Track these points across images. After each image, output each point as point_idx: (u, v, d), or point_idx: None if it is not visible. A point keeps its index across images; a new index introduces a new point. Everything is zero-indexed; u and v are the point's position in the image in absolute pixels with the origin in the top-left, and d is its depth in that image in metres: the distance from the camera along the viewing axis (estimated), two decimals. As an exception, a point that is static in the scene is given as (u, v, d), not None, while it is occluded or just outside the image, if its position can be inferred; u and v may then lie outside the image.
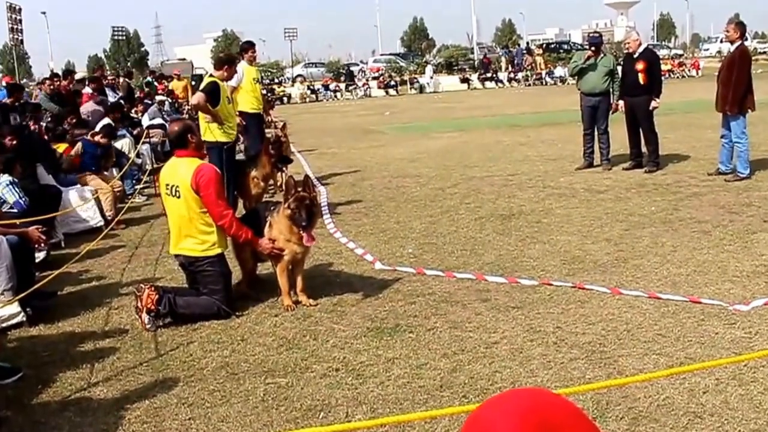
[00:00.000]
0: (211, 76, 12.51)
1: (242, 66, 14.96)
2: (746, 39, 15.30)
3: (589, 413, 5.57)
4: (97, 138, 14.93)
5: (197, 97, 12.26)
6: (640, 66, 15.70)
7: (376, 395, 6.14)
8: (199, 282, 8.37)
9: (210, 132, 11.80)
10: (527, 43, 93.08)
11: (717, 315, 7.50)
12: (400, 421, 5.60)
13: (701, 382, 6.02)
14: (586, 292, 8.40)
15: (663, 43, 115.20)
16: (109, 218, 13.54)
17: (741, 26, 14.74)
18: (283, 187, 9.08)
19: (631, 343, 6.92)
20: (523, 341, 7.11)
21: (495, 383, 6.25)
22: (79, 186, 13.56)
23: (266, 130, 17.48)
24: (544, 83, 64.67)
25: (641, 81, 15.70)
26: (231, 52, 14.59)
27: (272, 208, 8.92)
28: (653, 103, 15.75)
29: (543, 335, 7.22)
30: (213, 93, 11.91)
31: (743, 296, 8.01)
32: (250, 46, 16.01)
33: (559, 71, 64.40)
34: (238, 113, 14.21)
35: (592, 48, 16.73)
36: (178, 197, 8.23)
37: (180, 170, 8.28)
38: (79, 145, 14.43)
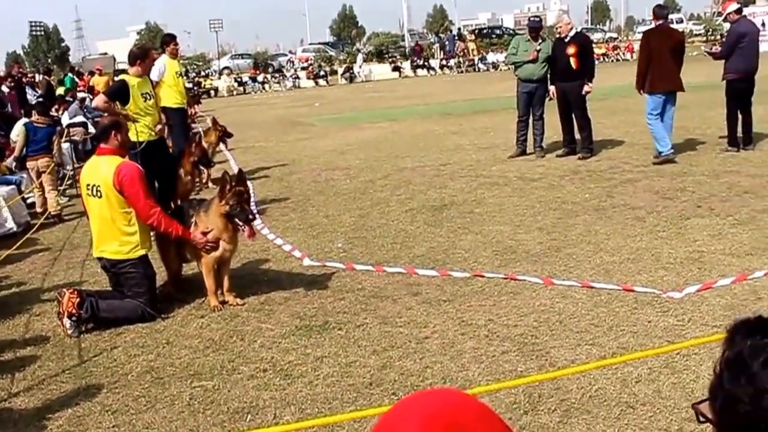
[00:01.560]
0: (125, 72, 12.26)
1: (164, 60, 14.70)
2: (670, 22, 15.50)
3: (520, 407, 5.58)
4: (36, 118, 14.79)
5: (96, 100, 12.00)
6: (571, 50, 15.67)
7: (305, 395, 6.05)
8: (122, 284, 8.19)
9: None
10: (459, 29, 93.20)
11: (650, 303, 7.50)
12: (329, 422, 5.50)
13: (634, 371, 6.00)
14: (518, 283, 8.36)
15: (597, 26, 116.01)
16: (56, 212, 13.68)
17: (657, 9, 15.12)
18: (210, 183, 8.92)
19: (563, 334, 6.89)
20: (454, 335, 7.04)
21: (426, 379, 6.19)
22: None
23: (192, 125, 17.31)
24: (476, 70, 64.78)
25: (573, 66, 15.68)
26: (144, 45, 14.14)
27: (196, 205, 8.75)
28: (586, 88, 15.74)
29: (474, 328, 7.16)
30: (118, 92, 11.64)
31: (677, 283, 8.01)
32: (171, 38, 15.61)
33: (492, 57, 64.60)
34: (161, 109, 14.02)
35: (532, 33, 16.65)
36: (100, 197, 8.04)
37: (101, 169, 8.09)
38: None
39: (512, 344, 6.73)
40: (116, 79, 12.43)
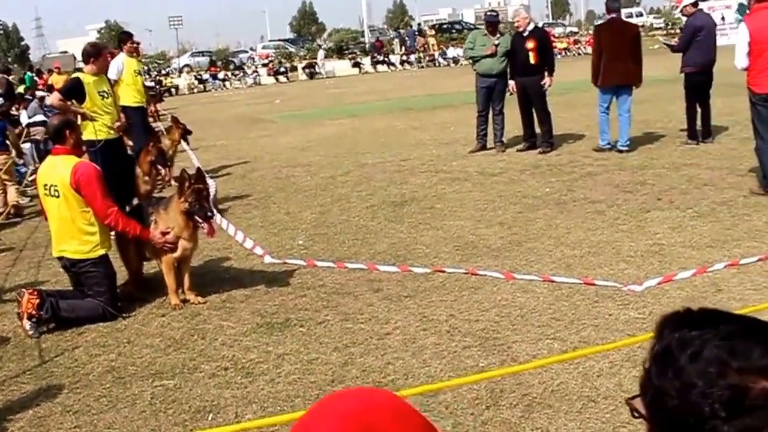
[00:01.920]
0: (81, 71, 12.18)
1: (122, 58, 14.64)
2: (629, 15, 15.96)
3: (482, 402, 5.58)
4: None
5: (51, 98, 11.90)
6: (530, 45, 15.77)
7: (267, 393, 6.04)
8: (83, 284, 8.14)
9: (83, 130, 11.43)
10: (419, 24, 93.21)
11: (611, 296, 7.53)
12: (291, 420, 5.48)
13: (595, 365, 6.01)
14: (479, 278, 8.36)
15: (558, 21, 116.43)
16: (15, 203, 13.73)
17: (609, 2, 15.55)
18: (172, 181, 8.88)
19: (524, 329, 6.90)
20: (415, 331, 7.04)
21: (387, 375, 6.19)
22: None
23: (154, 124, 17.21)
24: (437, 65, 64.79)
25: (532, 60, 15.77)
26: (97, 43, 13.85)
27: (155, 203, 8.70)
28: (547, 80, 15.89)
29: (436, 324, 7.17)
30: (73, 90, 11.54)
31: (637, 276, 8.05)
32: (128, 36, 15.49)
33: (452, 52, 64.62)
34: (120, 108, 13.93)
35: (489, 28, 16.68)
36: (58, 197, 7.99)
37: (58, 169, 8.04)
38: None
39: (474, 339, 6.74)
40: (72, 77, 12.26)
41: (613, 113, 15.21)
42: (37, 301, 7.65)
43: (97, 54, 11.83)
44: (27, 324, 7.62)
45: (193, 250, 8.58)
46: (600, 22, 14.82)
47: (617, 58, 14.88)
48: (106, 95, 11.73)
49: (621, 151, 14.99)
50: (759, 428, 1.34)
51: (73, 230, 8.05)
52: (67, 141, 8.19)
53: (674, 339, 1.50)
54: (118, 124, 11.93)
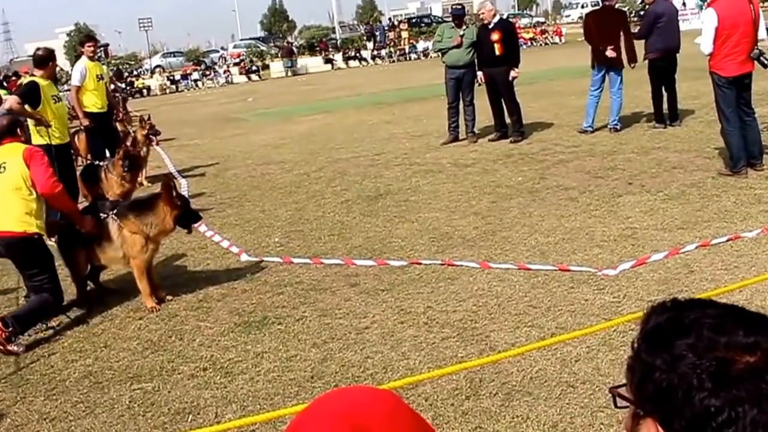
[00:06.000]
0: (32, 76, 12.10)
1: (84, 63, 14.45)
2: (615, 3, 16.23)
3: (462, 392, 5.59)
4: None
5: (9, 101, 11.76)
6: (495, 36, 15.88)
7: (246, 392, 6.02)
8: (23, 267, 8.07)
9: (38, 135, 11.33)
10: (389, 19, 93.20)
11: (586, 281, 7.57)
12: (271, 419, 5.48)
13: (572, 351, 6.04)
14: (455, 269, 8.38)
15: (524, 11, 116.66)
16: None
17: None
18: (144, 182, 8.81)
19: (502, 317, 6.92)
20: (393, 324, 7.05)
21: (366, 369, 6.20)
22: None
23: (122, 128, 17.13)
24: (408, 58, 64.91)
25: (497, 52, 15.85)
26: (49, 48, 13.47)
27: (113, 207, 8.54)
28: (512, 73, 15.99)
29: (414, 316, 7.17)
30: (29, 94, 11.47)
31: (611, 261, 8.10)
32: (87, 39, 15.33)
33: (422, 45, 64.74)
34: (85, 114, 13.91)
35: (455, 21, 16.77)
36: (2, 172, 7.86)
37: (8, 150, 8.01)
38: None
39: (452, 330, 6.75)
40: (26, 81, 12.16)
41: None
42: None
43: (47, 60, 11.91)
44: (12, 347, 7.38)
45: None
46: (591, 9, 15.16)
47: (604, 41, 15.39)
48: (57, 99, 11.73)
49: (612, 131, 15.59)
50: (743, 401, 1.38)
51: (15, 200, 7.82)
52: (19, 138, 8.30)
53: (665, 319, 1.54)
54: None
